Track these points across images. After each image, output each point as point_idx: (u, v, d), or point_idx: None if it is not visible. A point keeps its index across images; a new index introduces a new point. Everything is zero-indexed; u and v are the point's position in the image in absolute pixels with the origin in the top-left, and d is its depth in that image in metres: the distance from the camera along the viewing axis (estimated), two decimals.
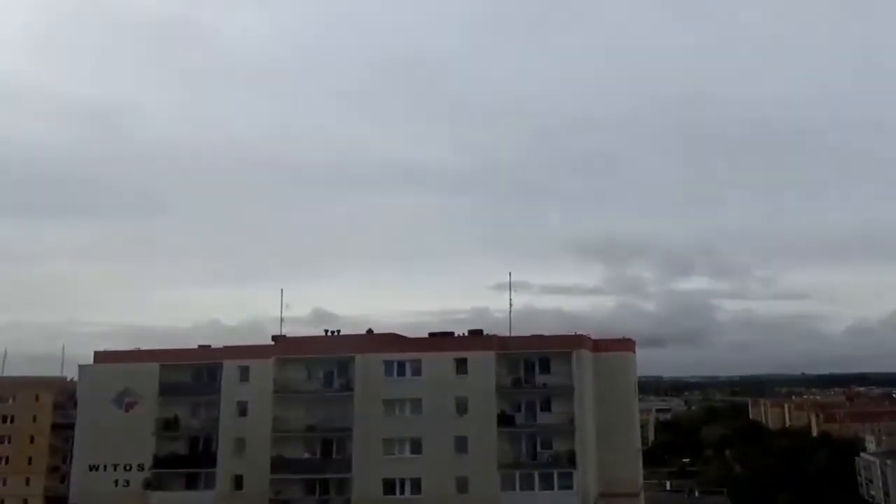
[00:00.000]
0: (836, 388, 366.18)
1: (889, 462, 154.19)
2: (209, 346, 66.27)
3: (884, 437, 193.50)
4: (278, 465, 58.33)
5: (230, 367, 62.82)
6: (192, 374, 64.66)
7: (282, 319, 68.13)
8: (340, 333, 65.26)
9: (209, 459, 61.82)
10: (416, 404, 60.25)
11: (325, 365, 62.05)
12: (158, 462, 62.15)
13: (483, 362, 60.68)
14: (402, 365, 61.47)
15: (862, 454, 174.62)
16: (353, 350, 61.46)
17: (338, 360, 61.72)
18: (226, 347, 64.63)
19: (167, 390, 63.36)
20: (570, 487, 57.49)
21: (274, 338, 65.17)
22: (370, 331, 66.13)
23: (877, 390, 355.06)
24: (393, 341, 63.34)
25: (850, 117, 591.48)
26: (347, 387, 60.71)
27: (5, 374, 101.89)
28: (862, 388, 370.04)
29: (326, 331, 65.80)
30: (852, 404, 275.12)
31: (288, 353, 61.71)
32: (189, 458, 62.71)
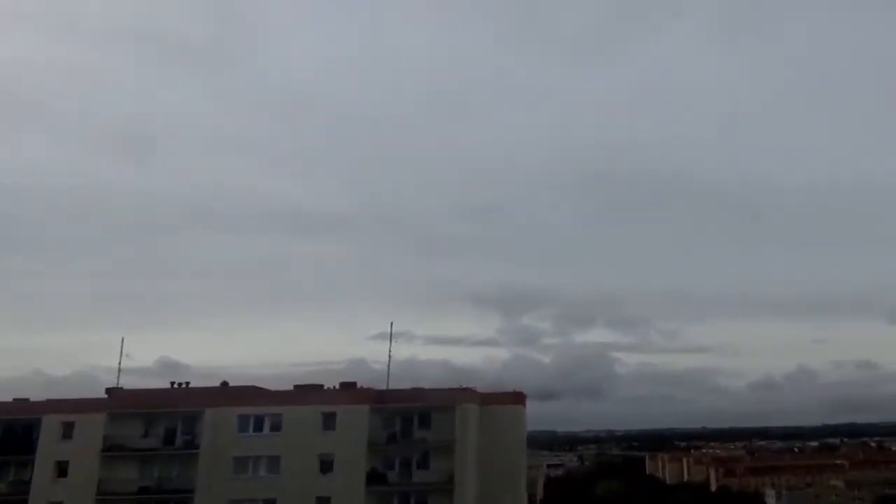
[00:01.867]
0: (738, 443, 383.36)
1: None
2: (27, 399, 63.45)
3: (784, 491, 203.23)
4: None
5: (51, 423, 59.71)
6: (3, 430, 61.09)
7: (119, 370, 66.09)
8: (189, 386, 64.34)
9: None
10: (274, 462, 59.40)
11: (167, 420, 60.29)
12: None
13: (354, 417, 60.75)
14: (259, 419, 60.67)
15: None
16: (203, 404, 60.24)
17: (183, 414, 60.24)
18: (48, 401, 61.73)
19: None
20: None
21: (108, 390, 63.07)
22: (225, 383, 65.56)
23: (778, 444, 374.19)
24: (251, 394, 62.81)
25: (760, 173, 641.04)
26: (192, 444, 59.23)
27: None
28: (763, 442, 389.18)
29: (173, 383, 64.70)
30: (753, 458, 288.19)
31: (123, 407, 59.75)
32: None
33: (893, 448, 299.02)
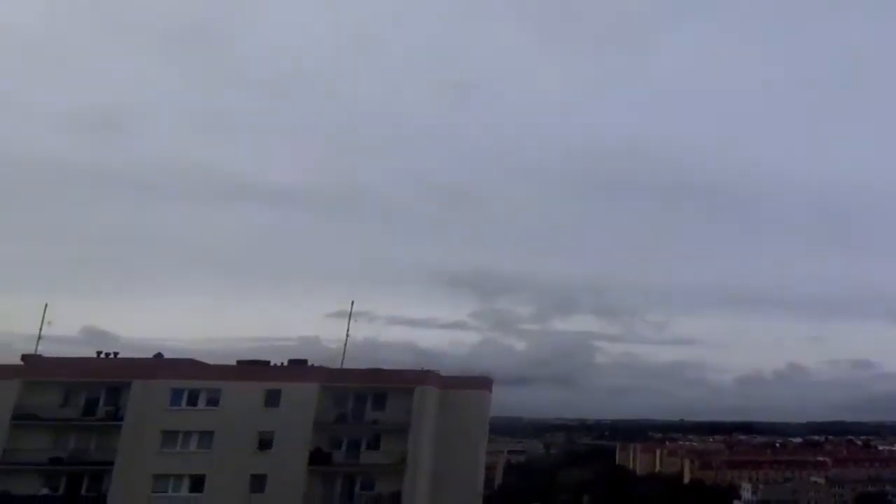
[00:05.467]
0: (717, 436, 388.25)
1: None
2: None
3: (761, 486, 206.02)
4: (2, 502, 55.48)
5: None
6: None
7: (39, 337, 64.38)
8: (118, 356, 63.83)
9: None
10: (206, 438, 59.52)
11: (89, 390, 59.79)
12: None
13: (301, 395, 61.48)
14: (194, 393, 60.67)
15: (735, 502, 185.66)
16: (132, 375, 59.77)
17: (108, 384, 59.77)
18: None
19: None
20: None
21: (24, 357, 62.09)
22: (159, 354, 65.50)
23: (760, 439, 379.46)
24: (187, 367, 62.77)
25: (755, 169, 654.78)
26: (115, 416, 58.81)
27: None
28: (744, 437, 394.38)
29: (99, 352, 64.06)
30: (731, 452, 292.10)
31: (40, 375, 59.04)
32: None
33: (880, 447, 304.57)
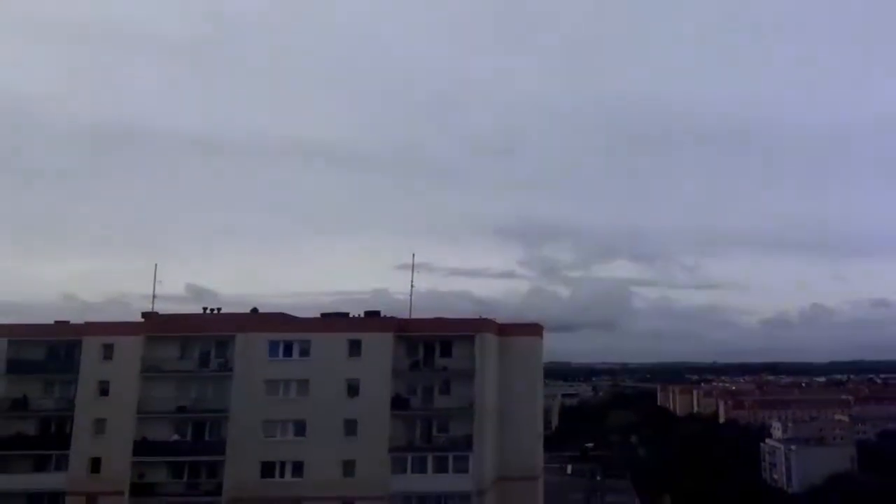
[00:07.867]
0: (747, 377, 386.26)
1: (793, 447, 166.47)
2: (67, 321, 64.98)
3: (790, 424, 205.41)
4: (142, 447, 57.98)
5: (91, 344, 61.63)
6: (47, 351, 63.38)
7: (154, 295, 66.79)
8: (221, 311, 65.21)
9: (63, 441, 60.69)
10: (303, 386, 60.74)
11: (201, 344, 61.55)
12: (2, 444, 60.68)
13: (379, 344, 61.84)
14: (288, 345, 61.75)
15: (767, 440, 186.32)
16: (235, 329, 61.25)
17: (216, 338, 61.49)
18: (88, 323, 63.17)
19: (16, 368, 61.93)
20: (465, 471, 59.47)
21: (144, 314, 64.21)
22: (255, 310, 66.38)
23: (787, 379, 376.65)
24: (280, 321, 63.94)
25: (774, 116, 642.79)
26: (226, 367, 60.61)
27: None
28: (772, 377, 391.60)
29: (205, 308, 65.50)
30: (761, 392, 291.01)
31: (160, 331, 61.01)
32: (38, 440, 61.47)
33: None
